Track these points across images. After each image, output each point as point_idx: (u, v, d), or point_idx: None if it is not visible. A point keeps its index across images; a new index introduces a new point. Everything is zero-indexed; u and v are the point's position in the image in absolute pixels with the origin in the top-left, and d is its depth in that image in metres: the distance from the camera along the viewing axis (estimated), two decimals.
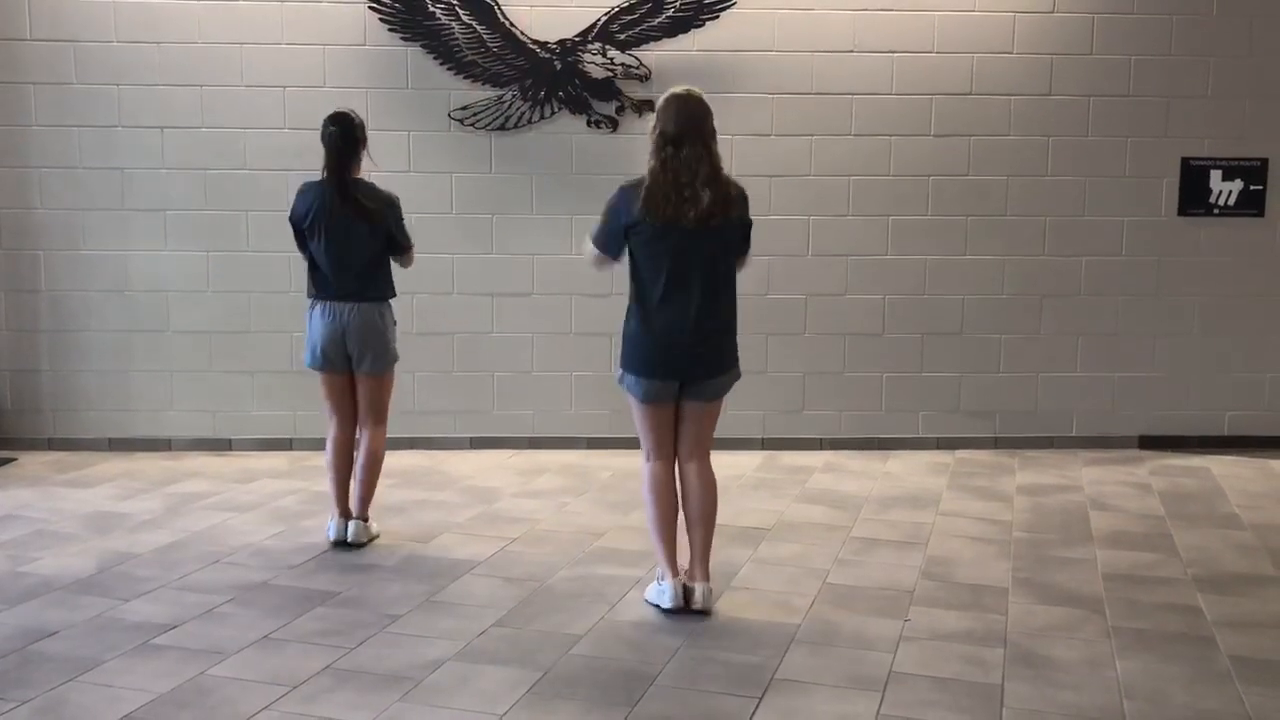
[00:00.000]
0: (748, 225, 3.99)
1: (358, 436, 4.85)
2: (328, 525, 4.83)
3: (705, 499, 4.06)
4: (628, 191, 3.90)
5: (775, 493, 5.58)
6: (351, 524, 4.78)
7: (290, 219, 4.79)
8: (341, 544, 4.75)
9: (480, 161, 6.31)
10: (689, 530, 4.09)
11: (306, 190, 4.74)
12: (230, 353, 6.39)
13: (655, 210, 3.78)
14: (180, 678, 3.50)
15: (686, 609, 3.97)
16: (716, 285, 3.91)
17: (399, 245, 4.82)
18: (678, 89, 3.90)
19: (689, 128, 3.77)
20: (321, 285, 4.73)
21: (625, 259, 4.01)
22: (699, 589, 4.00)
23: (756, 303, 6.24)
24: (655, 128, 3.83)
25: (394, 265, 4.87)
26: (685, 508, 4.10)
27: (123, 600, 4.14)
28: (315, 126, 6.11)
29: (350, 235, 4.65)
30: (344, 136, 4.65)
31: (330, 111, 4.75)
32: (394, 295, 4.85)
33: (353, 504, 4.83)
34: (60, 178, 6.27)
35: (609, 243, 3.98)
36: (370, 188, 4.72)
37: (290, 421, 6.41)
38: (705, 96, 3.88)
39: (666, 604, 3.96)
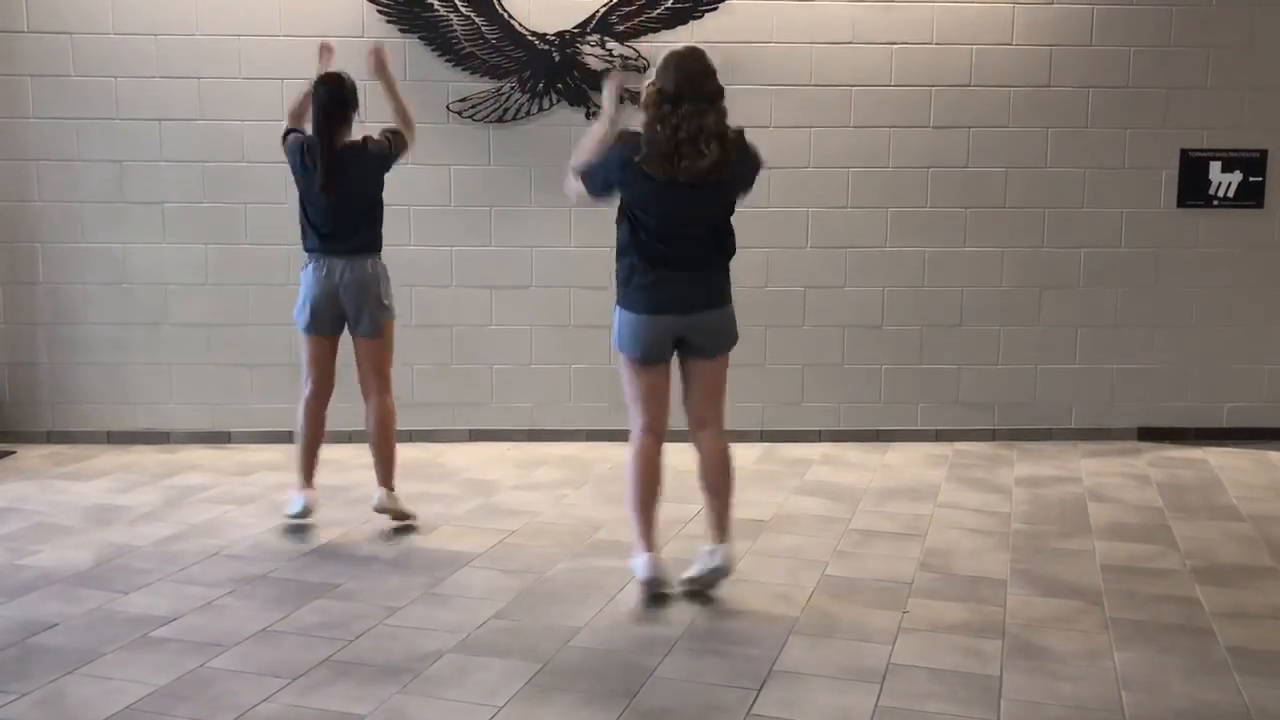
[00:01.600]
0: (754, 171, 3.95)
1: (365, 410, 4.84)
2: (291, 499, 4.80)
3: (720, 470, 4.08)
4: (629, 138, 3.84)
5: (774, 485, 5.59)
6: (379, 492, 4.81)
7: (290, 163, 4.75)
8: (303, 516, 4.75)
9: (479, 154, 6.30)
10: (706, 498, 4.12)
11: (295, 147, 4.68)
12: (229, 346, 6.39)
13: (652, 165, 3.76)
14: (180, 670, 3.50)
15: (661, 590, 4.01)
16: (711, 238, 3.91)
17: (400, 143, 4.75)
18: (678, 47, 3.87)
19: (687, 85, 3.74)
20: (315, 240, 4.68)
21: (605, 202, 3.99)
22: (721, 550, 4.04)
23: (755, 295, 6.24)
24: (654, 84, 3.80)
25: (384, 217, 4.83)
26: (702, 478, 4.12)
27: (122, 593, 4.15)
28: None
29: (340, 192, 4.59)
30: (332, 98, 4.57)
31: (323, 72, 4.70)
32: (381, 247, 4.79)
33: (376, 476, 4.86)
34: (58, 170, 6.26)
35: (596, 177, 3.91)
36: (356, 148, 4.64)
37: (289, 414, 6.33)
38: (707, 55, 3.83)
39: (641, 575, 3.98)
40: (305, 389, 4.84)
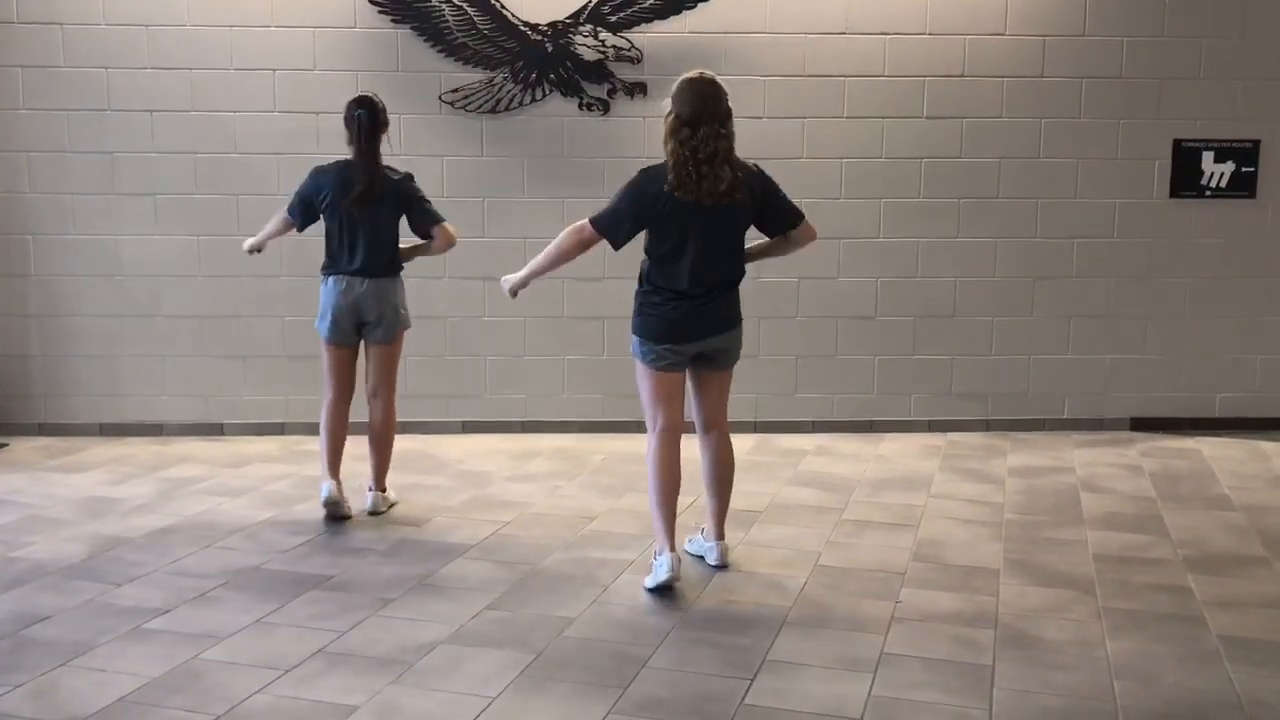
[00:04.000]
0: (777, 195, 4.13)
1: (369, 410, 5.00)
2: (321, 488, 4.90)
3: (725, 468, 4.27)
4: (651, 171, 3.99)
5: (767, 475, 5.59)
6: (370, 495, 5.00)
7: (299, 192, 4.87)
8: (334, 505, 4.84)
9: (471, 144, 6.29)
10: (709, 494, 4.31)
11: (322, 171, 4.84)
12: (221, 337, 6.38)
13: (680, 187, 3.89)
14: (173, 662, 3.50)
15: (676, 583, 4.06)
16: (732, 257, 4.08)
17: (428, 219, 4.87)
18: (690, 73, 4.01)
19: (703, 110, 3.88)
20: (337, 261, 4.84)
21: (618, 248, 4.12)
22: (718, 547, 4.29)
23: (748, 285, 6.16)
24: (670, 112, 3.94)
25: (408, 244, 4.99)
26: (706, 475, 4.29)
27: (115, 585, 4.14)
28: (305, 109, 6.17)
29: (374, 216, 4.77)
30: (372, 120, 4.76)
31: (355, 95, 4.87)
32: (400, 270, 4.97)
33: (372, 477, 5.03)
34: (49, 162, 6.24)
35: (619, 226, 4.01)
36: (389, 170, 4.85)
37: (282, 406, 6.41)
38: (718, 79, 3.99)
39: (663, 575, 4.00)
40: (327, 395, 4.96)
